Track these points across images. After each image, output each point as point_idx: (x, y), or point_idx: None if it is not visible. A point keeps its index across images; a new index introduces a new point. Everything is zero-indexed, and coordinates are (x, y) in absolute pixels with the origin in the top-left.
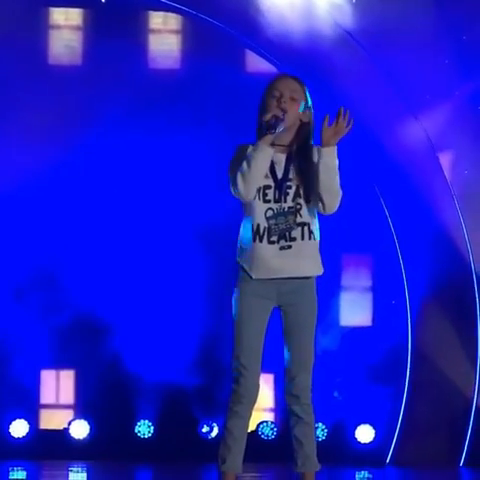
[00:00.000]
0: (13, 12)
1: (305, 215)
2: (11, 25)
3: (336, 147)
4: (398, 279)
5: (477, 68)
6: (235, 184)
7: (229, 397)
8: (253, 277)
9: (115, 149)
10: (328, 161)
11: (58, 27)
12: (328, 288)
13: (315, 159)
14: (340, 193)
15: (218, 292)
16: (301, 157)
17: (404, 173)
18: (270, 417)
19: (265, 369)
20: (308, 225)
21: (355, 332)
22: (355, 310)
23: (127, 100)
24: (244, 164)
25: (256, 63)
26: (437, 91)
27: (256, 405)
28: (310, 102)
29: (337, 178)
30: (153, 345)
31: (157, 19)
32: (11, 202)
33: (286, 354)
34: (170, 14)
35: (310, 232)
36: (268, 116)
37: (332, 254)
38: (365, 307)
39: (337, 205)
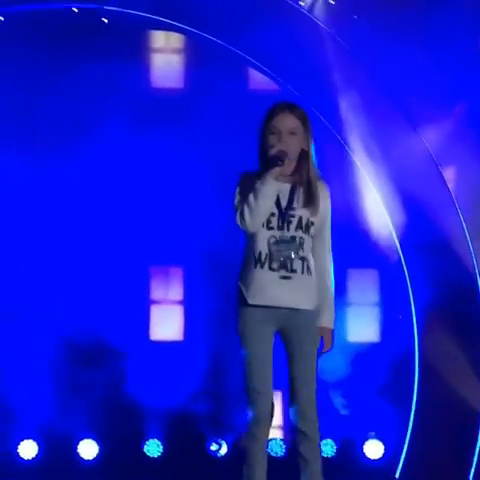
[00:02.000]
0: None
1: (306, 250)
2: (15, 42)
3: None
4: (404, 294)
5: (479, 81)
6: (242, 217)
7: (247, 422)
8: (249, 302)
9: (117, 168)
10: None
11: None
12: (335, 304)
13: (320, 193)
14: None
15: (222, 310)
16: (306, 189)
17: (408, 187)
18: (279, 434)
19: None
20: (308, 261)
21: (363, 348)
22: (362, 326)
23: (130, 119)
24: (251, 197)
25: (258, 80)
26: (439, 105)
27: None
28: (309, 129)
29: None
30: (161, 364)
31: (159, 38)
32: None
33: (289, 374)
34: (172, 33)
35: (308, 267)
36: (274, 151)
37: (338, 270)
38: (372, 323)
39: None
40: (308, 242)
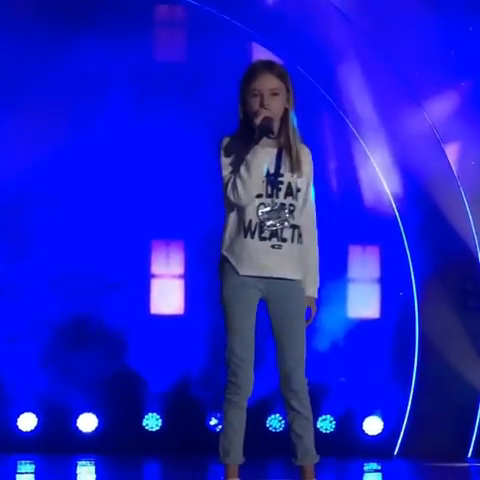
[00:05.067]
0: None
1: (297, 217)
2: (21, 16)
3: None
4: (405, 270)
5: None
6: (236, 191)
7: (226, 389)
8: (240, 273)
9: (120, 142)
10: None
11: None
12: (335, 280)
13: (303, 159)
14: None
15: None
16: (290, 153)
17: (410, 163)
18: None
19: None
20: (298, 228)
21: (363, 324)
22: (363, 302)
23: (133, 93)
24: (243, 171)
25: (262, 54)
26: (443, 82)
27: None
28: (291, 87)
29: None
30: (161, 338)
31: (162, 11)
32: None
33: (278, 352)
34: (176, 6)
35: (299, 235)
36: (259, 119)
37: (339, 246)
38: (373, 299)
39: None
40: (298, 209)
